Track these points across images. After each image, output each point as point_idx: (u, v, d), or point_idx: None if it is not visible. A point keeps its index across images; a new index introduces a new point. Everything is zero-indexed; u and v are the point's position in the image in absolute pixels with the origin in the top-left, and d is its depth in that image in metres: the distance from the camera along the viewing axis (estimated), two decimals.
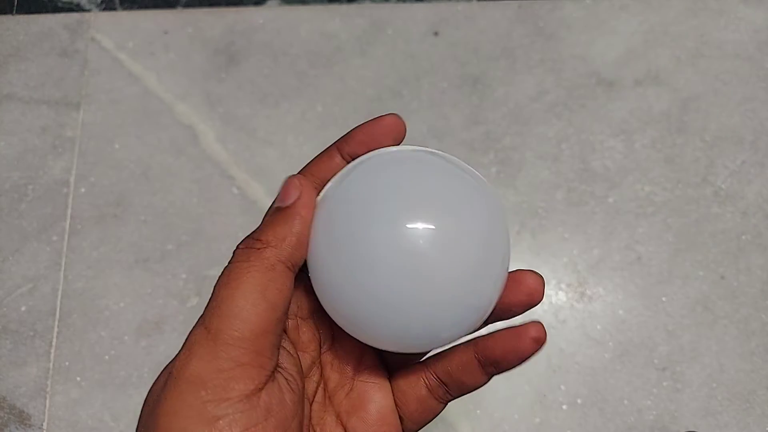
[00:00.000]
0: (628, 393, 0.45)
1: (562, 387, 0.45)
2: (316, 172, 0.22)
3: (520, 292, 0.20)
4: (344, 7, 0.57)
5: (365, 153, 0.21)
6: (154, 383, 0.19)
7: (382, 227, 0.19)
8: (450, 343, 0.20)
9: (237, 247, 0.19)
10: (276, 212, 0.19)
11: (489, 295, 0.20)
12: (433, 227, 0.19)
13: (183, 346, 0.18)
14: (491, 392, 0.44)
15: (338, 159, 0.22)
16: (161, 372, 0.19)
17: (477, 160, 0.51)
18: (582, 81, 0.54)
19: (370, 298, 0.19)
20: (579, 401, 0.44)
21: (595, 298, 0.47)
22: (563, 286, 0.48)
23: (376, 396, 0.22)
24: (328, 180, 0.21)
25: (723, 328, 0.46)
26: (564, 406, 0.44)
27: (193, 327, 0.18)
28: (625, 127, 0.52)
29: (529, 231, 0.49)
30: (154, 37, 0.56)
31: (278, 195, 0.20)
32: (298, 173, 0.22)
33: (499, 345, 0.21)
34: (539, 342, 0.20)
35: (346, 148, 0.22)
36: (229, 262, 0.19)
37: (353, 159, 0.21)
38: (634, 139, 0.52)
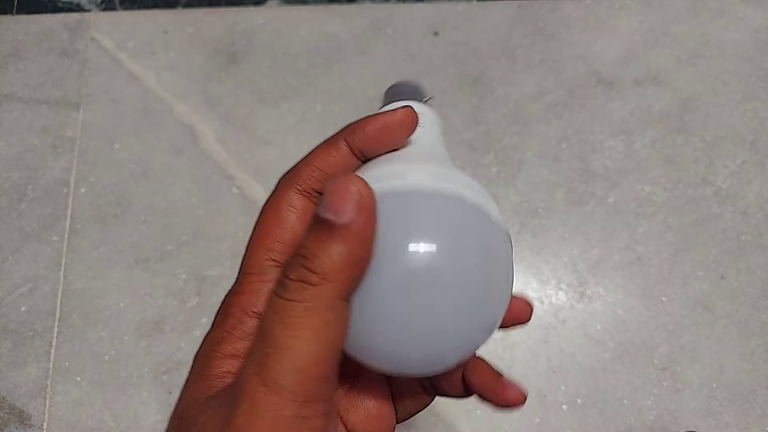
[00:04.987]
0: (628, 393, 0.45)
1: (562, 387, 0.45)
2: (321, 164, 0.21)
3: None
4: (344, 7, 0.57)
5: (375, 149, 0.21)
6: (202, 416, 0.17)
7: (388, 254, 0.18)
8: (453, 365, 0.21)
9: (287, 275, 0.17)
10: (328, 230, 0.16)
11: (492, 322, 0.20)
12: (438, 254, 0.18)
13: (239, 397, 0.16)
14: None
15: (344, 150, 0.21)
16: (208, 411, 0.17)
17: (477, 160, 0.51)
18: (582, 81, 0.54)
19: (376, 324, 0.18)
20: (579, 401, 0.44)
21: (595, 298, 0.47)
22: (563, 286, 0.48)
23: (374, 392, 0.22)
24: (337, 174, 0.20)
25: (723, 328, 0.46)
26: (564, 406, 0.44)
27: (246, 372, 0.16)
28: (625, 127, 0.52)
29: (529, 231, 0.49)
30: (154, 37, 0.56)
31: (326, 202, 0.16)
32: (300, 163, 0.21)
33: (483, 383, 0.22)
34: (515, 403, 0.22)
35: (355, 141, 0.21)
36: (278, 293, 0.17)
37: (362, 153, 0.21)
38: (634, 139, 0.52)
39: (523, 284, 0.48)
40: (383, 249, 0.18)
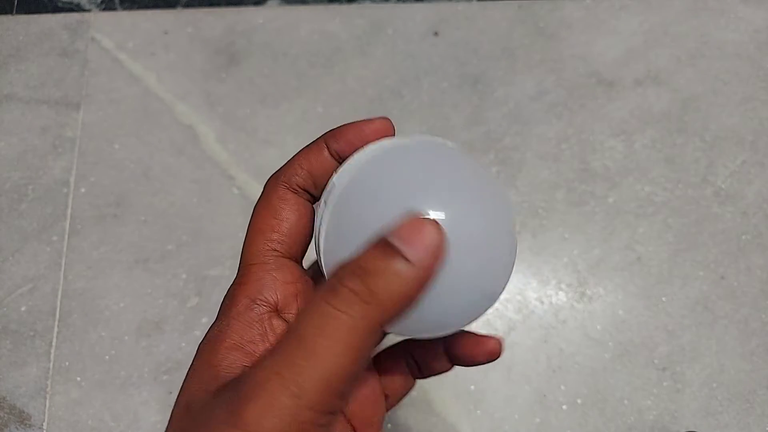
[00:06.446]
0: (628, 393, 0.45)
1: (562, 387, 0.45)
2: (305, 164, 0.22)
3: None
4: (344, 7, 0.57)
5: (353, 152, 0.21)
6: (206, 406, 0.17)
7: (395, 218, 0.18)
8: (457, 329, 0.21)
9: (343, 283, 0.16)
10: (393, 255, 0.16)
11: (495, 287, 0.20)
12: (444, 218, 0.18)
13: (254, 392, 0.15)
14: (491, 392, 0.44)
15: (326, 153, 0.22)
16: (217, 398, 0.17)
17: (477, 160, 0.51)
18: (582, 81, 0.54)
19: None
20: (579, 401, 0.44)
21: (595, 298, 0.47)
22: (563, 286, 0.48)
23: (368, 378, 0.23)
24: (319, 174, 0.22)
25: (723, 328, 0.46)
26: (564, 406, 0.44)
27: (266, 366, 0.16)
28: (625, 127, 0.52)
29: (529, 231, 0.49)
30: (154, 37, 0.56)
31: (400, 231, 0.16)
32: (285, 163, 0.22)
33: (461, 346, 0.23)
34: (492, 356, 0.23)
35: (335, 145, 0.22)
36: (327, 299, 0.16)
37: (341, 157, 0.22)
38: (634, 139, 0.52)
39: (523, 284, 0.48)
40: (387, 211, 0.18)
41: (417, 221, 0.16)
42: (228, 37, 0.56)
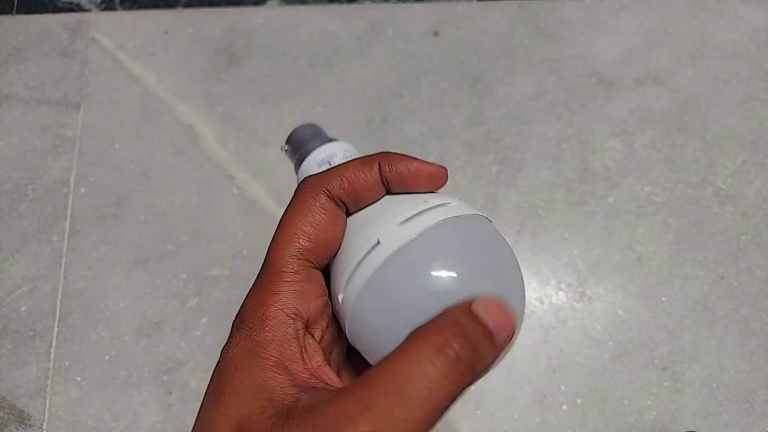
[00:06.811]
0: (628, 393, 0.45)
1: (562, 387, 0.45)
2: (353, 179, 0.21)
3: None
4: (344, 7, 0.57)
5: (401, 186, 0.22)
6: None
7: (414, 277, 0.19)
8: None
9: (455, 350, 0.17)
10: (488, 334, 0.18)
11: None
12: (482, 285, 0.20)
13: None
14: (491, 392, 0.44)
15: (376, 173, 0.22)
16: None
17: (477, 160, 0.51)
18: (582, 81, 0.54)
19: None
20: (579, 401, 0.44)
21: (595, 298, 0.47)
22: (563, 286, 0.48)
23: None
24: (363, 191, 0.22)
25: (723, 328, 0.46)
26: (564, 406, 0.44)
27: (363, 422, 0.16)
28: (625, 127, 0.52)
29: (529, 231, 0.49)
30: (154, 37, 0.56)
31: (493, 314, 0.18)
32: (332, 170, 0.22)
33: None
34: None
35: (386, 171, 0.22)
36: (433, 362, 0.17)
37: (388, 183, 0.22)
38: (634, 139, 0.52)
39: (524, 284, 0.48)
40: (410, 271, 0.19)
41: (506, 311, 0.18)
42: (228, 37, 0.56)
